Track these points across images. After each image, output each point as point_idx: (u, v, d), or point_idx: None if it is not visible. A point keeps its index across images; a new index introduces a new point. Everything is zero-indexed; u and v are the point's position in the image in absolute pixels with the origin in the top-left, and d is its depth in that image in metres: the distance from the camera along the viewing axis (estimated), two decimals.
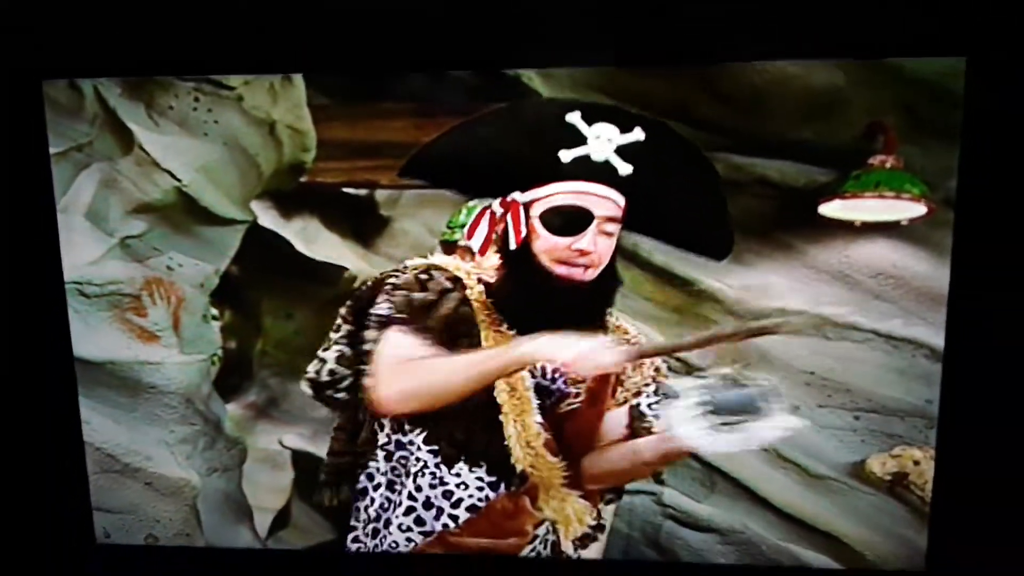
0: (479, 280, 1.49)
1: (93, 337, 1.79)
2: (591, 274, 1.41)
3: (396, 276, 1.50)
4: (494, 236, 1.45)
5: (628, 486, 1.69)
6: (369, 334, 1.48)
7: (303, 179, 1.76)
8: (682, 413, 1.27)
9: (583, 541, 1.53)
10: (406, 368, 1.42)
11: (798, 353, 1.70)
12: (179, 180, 1.72)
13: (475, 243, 1.46)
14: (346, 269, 1.77)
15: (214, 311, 1.79)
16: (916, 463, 1.71)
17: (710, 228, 1.50)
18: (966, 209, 1.56)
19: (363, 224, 1.85)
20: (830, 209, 1.62)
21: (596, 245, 1.39)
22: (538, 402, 1.49)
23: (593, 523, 1.51)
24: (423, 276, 1.49)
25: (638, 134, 1.39)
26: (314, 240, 1.78)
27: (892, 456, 1.72)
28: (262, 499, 1.87)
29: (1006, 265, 1.58)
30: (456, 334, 1.45)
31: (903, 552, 1.74)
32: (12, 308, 1.79)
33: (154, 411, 1.83)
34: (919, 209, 1.58)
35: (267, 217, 1.74)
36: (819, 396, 1.71)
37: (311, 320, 1.63)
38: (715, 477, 1.77)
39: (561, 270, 1.40)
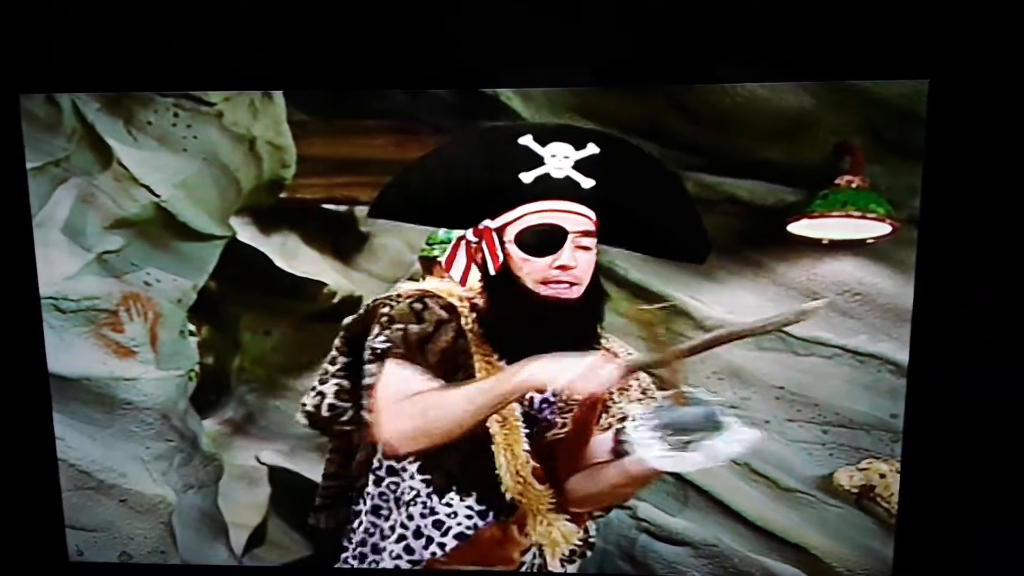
0: (472, 307, 1.49)
1: (68, 353, 1.78)
2: (577, 291, 1.42)
3: (390, 305, 1.49)
4: (473, 265, 1.46)
5: None
6: (368, 368, 1.46)
7: (283, 195, 1.77)
8: (642, 435, 1.28)
9: (571, 557, 1.54)
10: (408, 407, 1.40)
11: (768, 369, 1.73)
12: (157, 195, 1.72)
13: (455, 274, 1.47)
14: (325, 285, 1.77)
15: (191, 327, 1.79)
16: (882, 476, 1.75)
17: (684, 233, 1.51)
18: (929, 228, 1.61)
19: (343, 240, 1.86)
20: (798, 228, 1.67)
21: (576, 260, 1.40)
22: (526, 431, 1.50)
23: (580, 541, 1.53)
24: (418, 306, 1.48)
25: (592, 148, 1.41)
26: (294, 256, 1.78)
27: (859, 469, 1.76)
28: (238, 516, 1.86)
29: (968, 282, 1.63)
30: (455, 366, 1.45)
31: (870, 563, 1.77)
32: None
33: (130, 427, 1.82)
34: (884, 228, 1.63)
35: (246, 233, 1.75)
36: (789, 411, 1.74)
37: (290, 336, 1.64)
38: (688, 491, 1.80)
39: (547, 291, 1.41)
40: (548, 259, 1.40)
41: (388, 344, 1.44)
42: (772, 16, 1.55)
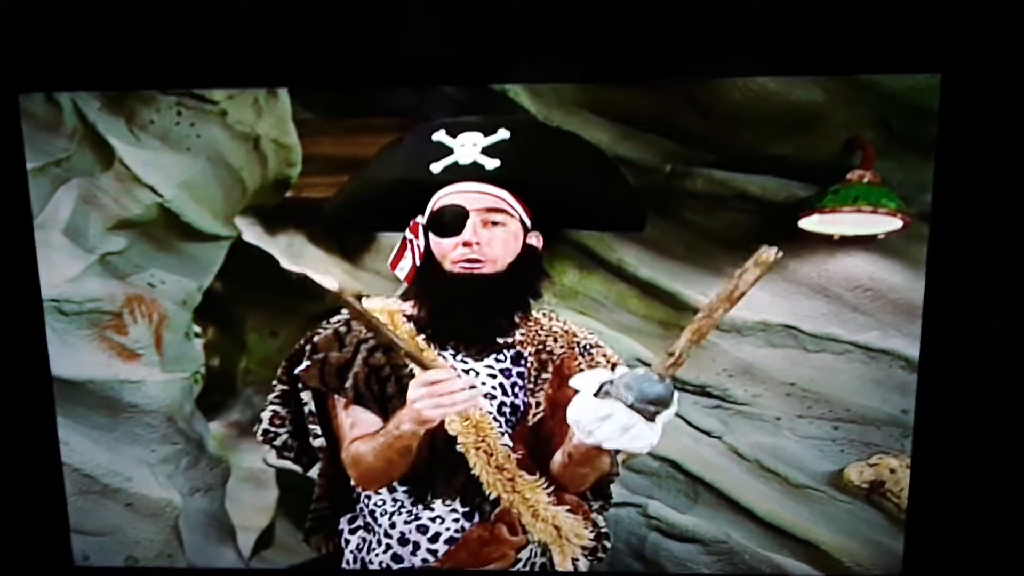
0: (408, 318, 1.53)
1: (72, 356, 1.76)
2: (489, 268, 1.47)
3: (320, 332, 1.55)
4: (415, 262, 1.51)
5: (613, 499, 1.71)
6: (302, 396, 1.55)
7: (288, 194, 1.75)
8: (590, 413, 1.29)
9: (593, 553, 1.54)
10: (353, 451, 1.50)
11: (779, 365, 1.73)
12: (161, 196, 1.70)
13: (400, 273, 1.52)
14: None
15: (197, 328, 1.76)
16: (892, 471, 1.75)
17: (616, 204, 1.55)
18: (940, 223, 1.61)
19: (349, 240, 1.85)
20: (810, 223, 1.66)
21: (478, 236, 1.45)
22: (505, 421, 1.51)
23: (592, 535, 1.52)
24: (342, 329, 1.54)
25: (503, 133, 1.45)
26: (300, 256, 1.76)
27: (869, 465, 1.76)
28: (246, 518, 1.84)
29: (979, 277, 1.62)
30: (383, 391, 1.50)
31: (880, 558, 1.78)
32: None
33: (135, 430, 1.80)
34: (895, 223, 1.63)
35: (252, 233, 1.72)
36: (799, 407, 1.74)
37: (296, 337, 1.61)
38: (699, 488, 1.80)
39: (459, 268, 1.46)
40: (454, 239, 1.45)
41: (305, 371, 1.52)
42: (783, 10, 1.54)
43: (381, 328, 1.37)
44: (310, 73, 1.63)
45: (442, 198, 1.47)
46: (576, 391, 1.34)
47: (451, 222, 1.46)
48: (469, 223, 1.45)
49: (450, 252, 1.47)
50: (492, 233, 1.47)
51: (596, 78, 1.62)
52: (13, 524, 1.86)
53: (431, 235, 1.48)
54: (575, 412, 1.31)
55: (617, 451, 1.48)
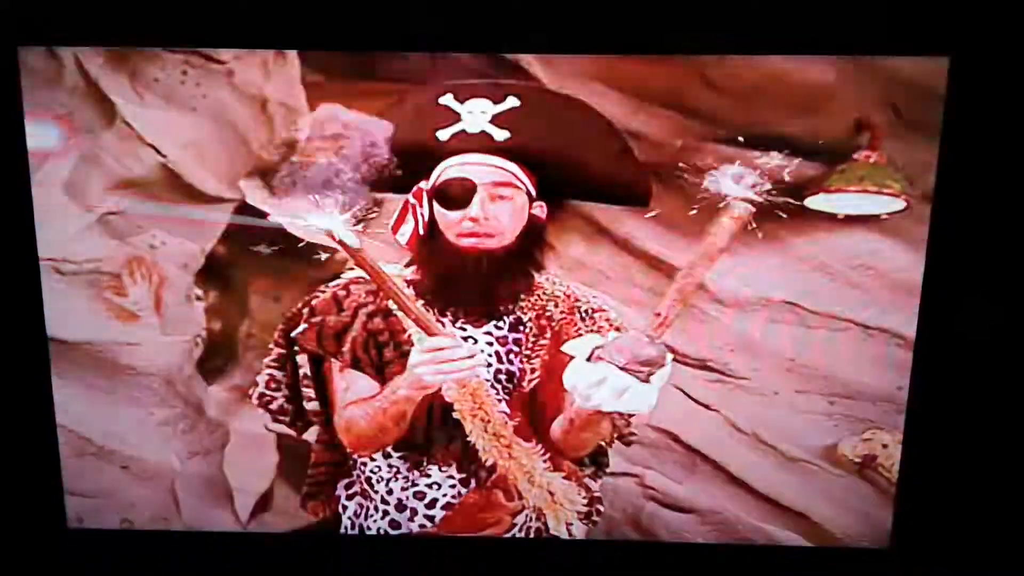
0: (409, 283, 1.53)
1: (69, 316, 1.73)
2: (496, 242, 1.48)
3: (319, 295, 1.57)
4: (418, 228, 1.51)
5: (611, 468, 1.74)
6: (299, 359, 1.57)
7: (295, 158, 1.73)
8: (584, 377, 1.32)
9: (588, 517, 1.57)
10: (346, 416, 1.52)
11: (780, 341, 1.75)
12: (164, 156, 1.67)
13: (401, 238, 1.53)
14: (337, 250, 1.74)
15: (198, 291, 1.74)
16: (885, 446, 1.79)
17: (622, 178, 1.57)
18: (942, 205, 1.64)
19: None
20: (815, 202, 1.67)
21: (485, 211, 1.46)
22: (502, 388, 1.53)
23: (585, 500, 1.55)
24: (341, 293, 1.56)
25: (512, 102, 1.46)
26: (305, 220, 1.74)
27: (863, 439, 1.80)
28: (244, 482, 1.84)
29: (978, 260, 1.66)
30: (380, 356, 1.52)
31: (869, 530, 1.83)
32: None
33: (133, 393, 1.78)
34: (899, 204, 1.65)
35: (257, 196, 1.70)
36: (797, 382, 1.77)
37: (299, 302, 1.61)
38: (696, 459, 1.82)
39: (466, 243, 1.47)
40: (461, 212, 1.46)
41: (302, 335, 1.54)
42: None
43: (395, 289, 1.38)
44: (320, 36, 1.60)
45: (449, 168, 1.47)
46: (570, 356, 1.36)
47: (458, 195, 1.46)
48: (476, 197, 1.45)
49: (456, 225, 1.47)
50: (499, 207, 1.47)
51: (609, 50, 1.61)
52: (5, 485, 1.84)
53: (436, 205, 1.48)
54: (570, 378, 1.34)
55: (621, 414, 1.51)
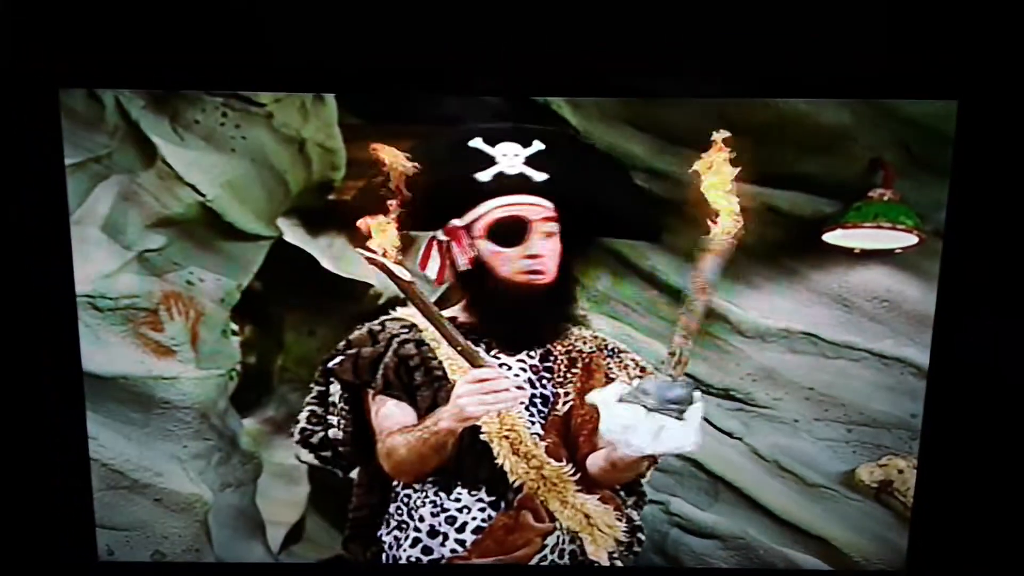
0: (450, 319, 1.55)
1: (104, 351, 1.75)
2: (547, 277, 1.54)
3: (357, 330, 1.61)
4: (447, 263, 1.56)
5: None
6: (332, 388, 1.60)
7: (331, 197, 1.77)
8: (616, 422, 1.36)
9: (628, 548, 1.59)
10: (380, 449, 1.55)
11: (800, 371, 1.81)
12: (203, 195, 1.71)
13: (430, 273, 1.58)
14: (371, 286, 1.78)
15: (234, 326, 1.78)
16: (900, 471, 1.85)
17: (635, 214, 1.67)
18: (953, 240, 1.71)
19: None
20: (833, 237, 1.75)
21: (541, 248, 1.53)
22: (536, 411, 1.56)
23: (627, 528, 1.58)
24: (376, 328, 1.60)
25: (538, 145, 1.53)
26: (340, 257, 1.79)
27: (879, 465, 1.86)
28: (276, 513, 1.86)
29: (988, 292, 1.73)
30: (411, 379, 1.55)
31: (885, 553, 1.88)
32: (19, 320, 1.74)
33: (167, 426, 1.80)
34: (912, 239, 1.72)
35: (293, 234, 1.74)
36: (817, 410, 1.83)
37: (334, 337, 1.65)
38: (719, 486, 1.88)
39: (521, 278, 1.53)
40: (518, 249, 1.52)
41: (337, 365, 1.57)
42: (812, 39, 1.61)
43: (441, 322, 1.42)
44: (358, 80, 1.65)
45: (498, 208, 1.52)
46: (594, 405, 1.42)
47: (514, 233, 1.51)
48: (532, 235, 1.50)
49: (511, 261, 1.51)
50: (549, 244, 1.52)
51: (636, 93, 1.68)
52: (38, 519, 1.85)
53: (488, 243, 1.52)
54: (605, 424, 1.38)
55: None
